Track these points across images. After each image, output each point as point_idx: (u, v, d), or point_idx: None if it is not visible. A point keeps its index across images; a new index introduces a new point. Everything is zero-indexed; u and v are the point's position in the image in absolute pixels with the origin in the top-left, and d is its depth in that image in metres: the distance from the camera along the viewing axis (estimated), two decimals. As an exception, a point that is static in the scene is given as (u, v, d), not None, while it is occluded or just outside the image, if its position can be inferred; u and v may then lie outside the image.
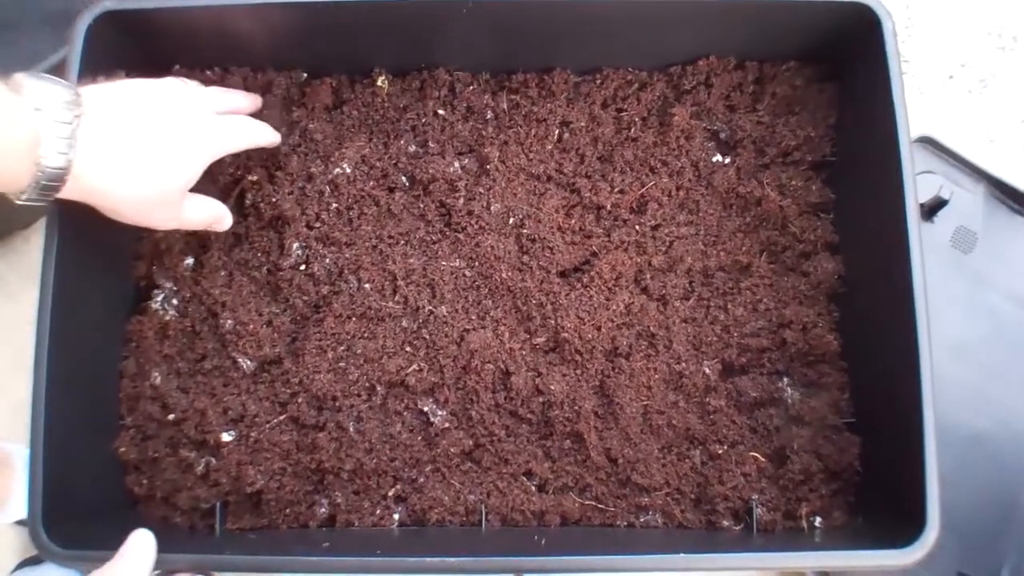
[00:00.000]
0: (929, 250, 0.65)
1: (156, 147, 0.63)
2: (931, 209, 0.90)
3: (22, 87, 0.57)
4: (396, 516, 0.73)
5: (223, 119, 0.70)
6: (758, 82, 0.79)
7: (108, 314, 0.75)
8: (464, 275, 0.76)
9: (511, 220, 0.77)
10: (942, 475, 0.61)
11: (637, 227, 0.77)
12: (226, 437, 0.73)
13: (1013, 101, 1.09)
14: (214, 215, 0.72)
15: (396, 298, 0.75)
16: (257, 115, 0.76)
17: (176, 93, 0.68)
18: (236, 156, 0.77)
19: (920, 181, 0.67)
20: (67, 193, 0.60)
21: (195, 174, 0.67)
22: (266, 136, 0.74)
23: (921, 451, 0.61)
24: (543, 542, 0.68)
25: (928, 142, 0.93)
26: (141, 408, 0.74)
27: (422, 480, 0.73)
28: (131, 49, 0.75)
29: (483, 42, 0.76)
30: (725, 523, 0.72)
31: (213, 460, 0.74)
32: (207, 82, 0.76)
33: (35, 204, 0.60)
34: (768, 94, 0.78)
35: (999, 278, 0.90)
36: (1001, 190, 0.93)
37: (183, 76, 0.78)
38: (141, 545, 0.61)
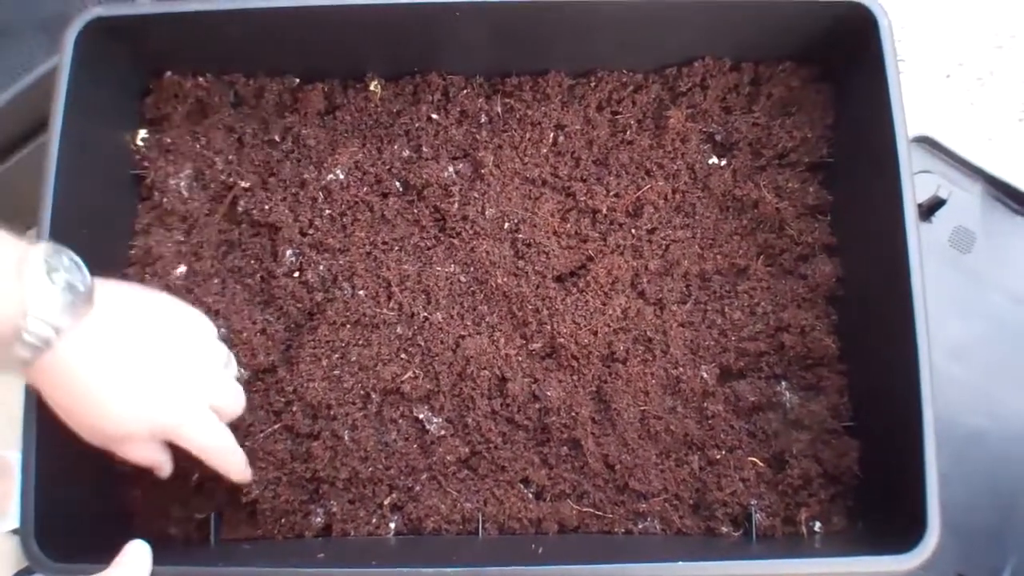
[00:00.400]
0: (927, 250, 0.65)
1: (139, 387, 0.59)
2: (929, 209, 0.89)
3: (33, 260, 0.53)
4: (392, 525, 0.73)
5: (209, 420, 0.64)
6: (754, 83, 0.79)
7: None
8: (459, 281, 0.76)
9: (506, 225, 0.76)
10: (942, 477, 0.61)
11: (633, 231, 0.76)
12: None
13: (1011, 100, 1.09)
14: (152, 463, 0.66)
15: (390, 305, 0.74)
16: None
17: (196, 344, 0.64)
18: (228, 162, 0.77)
19: (918, 181, 0.66)
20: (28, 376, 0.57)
21: (143, 437, 0.62)
22: (233, 467, 0.68)
23: (921, 455, 0.61)
24: (540, 550, 0.67)
25: (926, 141, 0.92)
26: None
27: (418, 488, 0.72)
28: (122, 55, 0.74)
29: (476, 45, 0.75)
30: (724, 529, 0.71)
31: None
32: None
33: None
34: (764, 95, 0.78)
35: (997, 278, 0.90)
36: (999, 189, 0.92)
37: (176, 82, 0.78)
38: (137, 556, 0.60)
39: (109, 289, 0.59)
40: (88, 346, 0.56)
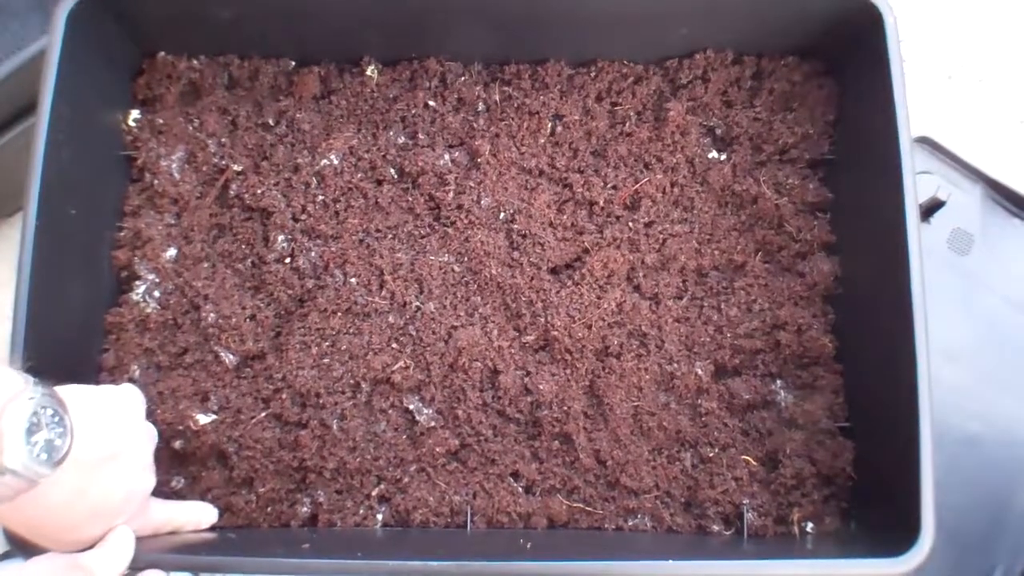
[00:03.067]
0: (925, 252, 0.64)
1: (96, 507, 0.58)
2: (928, 210, 0.88)
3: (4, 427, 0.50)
4: (379, 516, 0.72)
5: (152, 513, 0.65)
6: (756, 77, 0.78)
7: (88, 305, 0.73)
8: (453, 271, 0.75)
9: (501, 215, 0.75)
10: (937, 479, 0.60)
11: (630, 224, 0.75)
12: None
13: (1012, 101, 1.08)
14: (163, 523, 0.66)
15: (382, 293, 0.74)
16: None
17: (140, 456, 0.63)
18: (221, 145, 0.76)
19: (917, 182, 0.66)
20: None
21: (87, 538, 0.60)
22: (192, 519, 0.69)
23: (917, 457, 0.60)
24: (528, 545, 0.67)
25: (926, 142, 0.92)
26: (120, 402, 0.72)
27: (406, 480, 0.72)
28: (115, 35, 0.74)
29: (475, 32, 0.75)
30: (715, 528, 0.71)
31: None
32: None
33: None
34: (766, 90, 0.77)
35: (995, 280, 0.89)
36: (999, 192, 0.92)
37: (170, 62, 0.77)
38: (120, 540, 0.60)
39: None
40: (57, 484, 0.53)
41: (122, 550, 0.59)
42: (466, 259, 0.75)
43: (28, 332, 0.64)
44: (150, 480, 0.64)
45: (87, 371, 0.73)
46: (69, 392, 0.56)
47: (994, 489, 0.85)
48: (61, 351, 0.69)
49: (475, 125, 0.77)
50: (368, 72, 0.78)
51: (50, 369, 0.65)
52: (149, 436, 0.65)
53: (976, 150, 0.92)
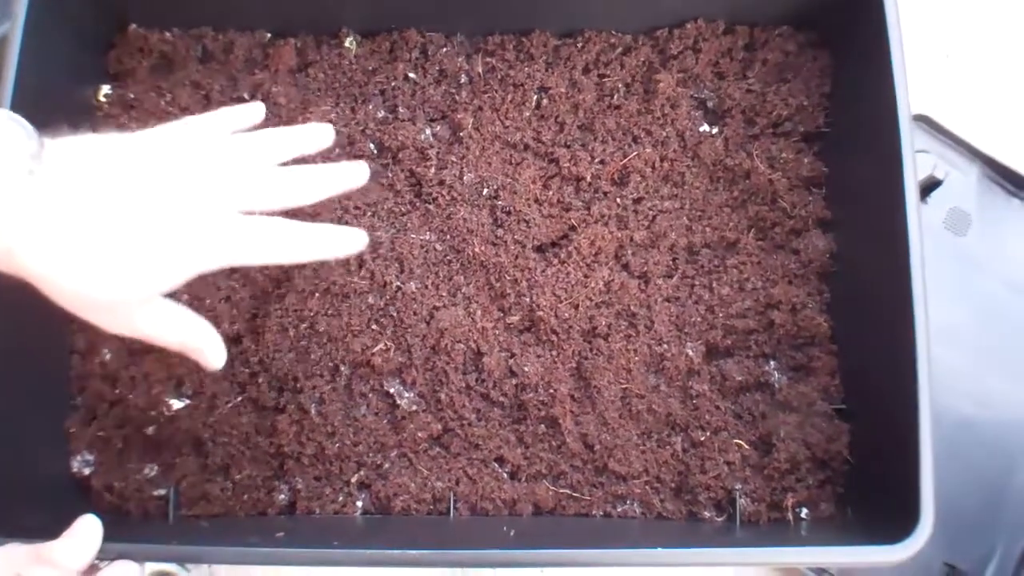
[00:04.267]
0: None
1: (122, 242, 0.48)
2: (925, 189, 0.87)
3: None
4: (360, 503, 0.70)
5: (249, 224, 0.53)
6: (748, 48, 0.76)
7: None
8: (435, 249, 0.73)
9: (485, 191, 0.73)
10: (935, 465, 0.59)
11: (618, 200, 0.73)
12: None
13: (1011, 80, 1.07)
14: (191, 342, 0.56)
15: (362, 273, 0.71)
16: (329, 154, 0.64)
17: (186, 163, 0.52)
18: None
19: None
20: None
21: (164, 287, 0.51)
22: (331, 246, 0.57)
23: (915, 441, 0.59)
24: (512, 533, 0.65)
25: (923, 120, 0.91)
26: (91, 387, 0.71)
27: (387, 466, 0.70)
28: (84, 6, 0.71)
29: (457, 0, 0.72)
30: (707, 514, 0.69)
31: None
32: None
33: None
34: (759, 61, 0.75)
35: (992, 261, 0.88)
36: (997, 171, 0.91)
37: (141, 35, 0.74)
38: (86, 530, 0.57)
39: (62, 145, 0.49)
40: (57, 217, 0.47)
41: (88, 540, 0.57)
42: (448, 237, 0.73)
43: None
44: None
45: (59, 354, 0.71)
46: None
47: (991, 470, 0.84)
48: (31, 332, 0.67)
49: (457, 98, 0.75)
50: (346, 44, 0.76)
51: (19, 351, 0.65)
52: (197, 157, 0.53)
53: (974, 129, 0.91)
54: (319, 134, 0.60)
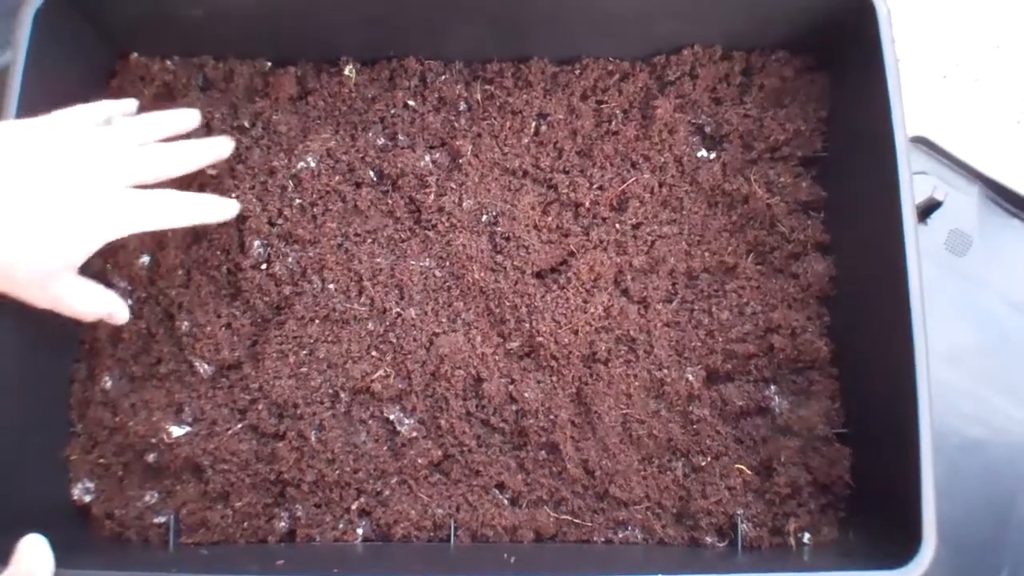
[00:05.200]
0: (922, 253, 0.62)
1: (31, 216, 0.56)
2: (925, 211, 0.87)
3: None
4: (360, 531, 0.70)
5: (139, 196, 0.61)
6: (745, 73, 0.76)
7: (59, 314, 0.71)
8: (434, 275, 0.73)
9: (484, 217, 0.73)
10: (938, 487, 0.58)
11: (617, 226, 0.73)
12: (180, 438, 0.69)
13: (1009, 100, 1.07)
14: (97, 308, 0.65)
15: (362, 299, 0.71)
16: (200, 132, 0.72)
17: (79, 148, 0.60)
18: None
19: (913, 182, 0.65)
20: None
21: (78, 255, 0.59)
22: (207, 212, 0.67)
23: (917, 464, 0.59)
24: (513, 560, 0.65)
25: (922, 142, 0.91)
26: (91, 414, 0.71)
27: (387, 493, 0.69)
28: (85, 35, 0.72)
29: (456, 29, 0.73)
30: (708, 539, 0.69)
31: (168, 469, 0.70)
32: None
33: None
34: (756, 85, 0.75)
35: (994, 282, 0.88)
36: (996, 192, 0.91)
37: (143, 64, 0.75)
38: (32, 552, 0.55)
39: None
40: None
41: (39, 564, 0.55)
42: (448, 263, 0.73)
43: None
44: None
45: (59, 383, 0.71)
46: None
47: (996, 492, 0.83)
48: (33, 361, 0.67)
49: (456, 125, 0.75)
50: (346, 72, 0.76)
51: (20, 380, 0.65)
52: (91, 138, 0.62)
53: (973, 150, 0.91)
54: (187, 116, 0.70)
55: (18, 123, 0.60)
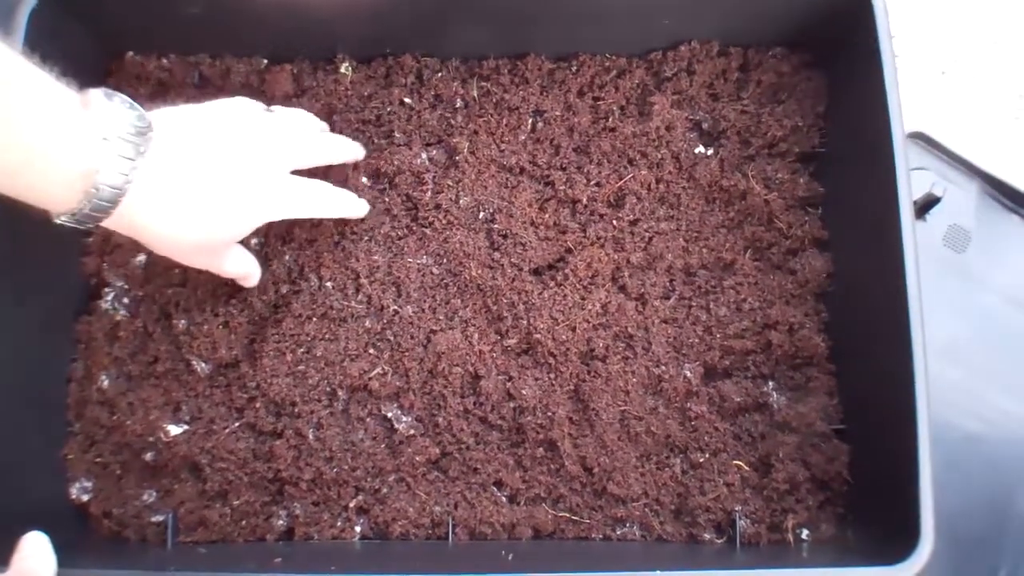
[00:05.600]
0: (921, 249, 0.62)
1: (214, 196, 0.60)
2: (923, 207, 0.87)
3: (90, 105, 0.55)
4: (358, 529, 0.70)
5: (300, 184, 0.67)
6: (743, 69, 0.76)
7: (56, 313, 0.72)
8: (431, 273, 0.72)
9: (481, 214, 0.73)
10: (936, 483, 0.58)
11: (614, 222, 0.73)
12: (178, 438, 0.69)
13: (1007, 96, 1.07)
14: (248, 271, 0.69)
15: (359, 297, 0.71)
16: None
17: (254, 133, 0.64)
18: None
19: (912, 178, 0.64)
20: (106, 222, 0.57)
21: (246, 231, 0.64)
22: (346, 208, 0.71)
23: (915, 460, 0.58)
24: (511, 557, 0.64)
25: (920, 138, 0.91)
26: (89, 414, 0.70)
27: (385, 490, 0.69)
28: (80, 34, 0.72)
29: (452, 26, 0.72)
30: (707, 536, 0.69)
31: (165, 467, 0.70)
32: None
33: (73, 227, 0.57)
34: (753, 82, 0.75)
35: (992, 277, 0.88)
36: (995, 187, 0.91)
37: (138, 62, 0.75)
38: (35, 549, 0.54)
39: (160, 116, 0.60)
40: (162, 179, 0.57)
41: (41, 562, 0.54)
42: (445, 260, 0.73)
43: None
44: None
45: (56, 382, 0.71)
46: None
47: (995, 488, 0.83)
48: (29, 360, 0.67)
49: (453, 122, 0.75)
50: (342, 69, 0.76)
51: (16, 380, 0.65)
52: (265, 125, 0.66)
53: (971, 146, 0.91)
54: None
55: (194, 107, 0.63)
